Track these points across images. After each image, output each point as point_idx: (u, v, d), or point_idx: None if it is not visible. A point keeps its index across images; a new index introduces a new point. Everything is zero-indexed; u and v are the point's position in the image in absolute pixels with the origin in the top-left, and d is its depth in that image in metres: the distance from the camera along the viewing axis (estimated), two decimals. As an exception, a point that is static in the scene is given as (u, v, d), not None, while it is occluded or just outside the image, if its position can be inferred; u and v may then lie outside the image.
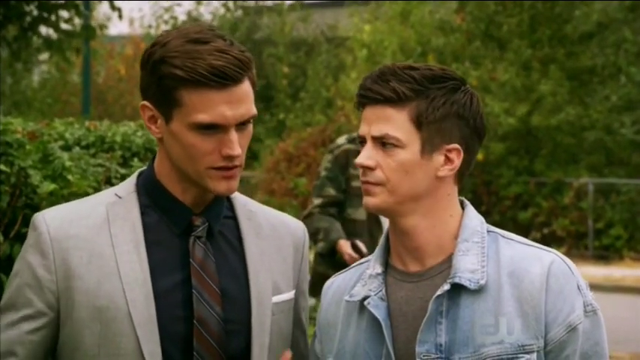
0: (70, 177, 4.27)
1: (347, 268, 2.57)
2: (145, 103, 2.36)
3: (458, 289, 2.30)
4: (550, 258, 2.34)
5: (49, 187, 4.09)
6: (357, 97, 2.36)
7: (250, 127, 2.37)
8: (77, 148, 4.99)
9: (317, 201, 6.13)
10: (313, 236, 6.05)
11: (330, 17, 29.97)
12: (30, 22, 10.64)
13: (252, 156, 26.33)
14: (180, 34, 2.32)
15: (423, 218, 2.35)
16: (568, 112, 21.42)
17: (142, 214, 2.39)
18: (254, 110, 2.35)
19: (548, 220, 21.25)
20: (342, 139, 6.32)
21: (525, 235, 21.02)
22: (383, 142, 2.31)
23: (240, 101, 2.32)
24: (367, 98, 2.33)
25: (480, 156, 21.45)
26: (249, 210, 2.52)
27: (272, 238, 2.51)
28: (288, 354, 2.43)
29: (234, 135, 2.32)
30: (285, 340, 2.49)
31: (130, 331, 2.29)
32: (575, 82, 22.13)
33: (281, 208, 10.13)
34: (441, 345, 2.28)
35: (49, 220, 2.37)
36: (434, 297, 2.29)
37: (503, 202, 21.88)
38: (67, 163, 4.30)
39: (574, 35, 22.21)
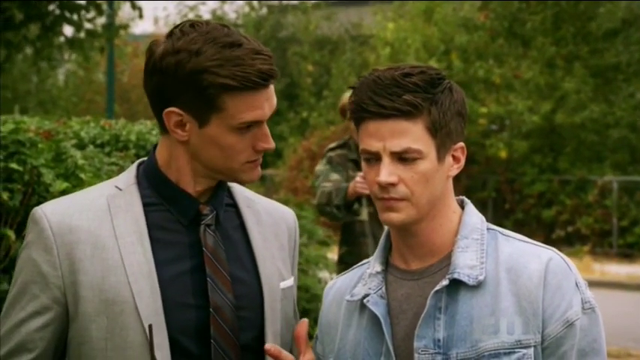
0: (82, 175, 4.30)
1: (349, 270, 2.57)
2: (173, 109, 2.33)
3: (457, 284, 2.30)
4: (548, 255, 2.33)
5: (61, 185, 4.12)
6: (357, 111, 2.31)
7: None
8: (91, 147, 5.02)
9: (326, 184, 6.22)
10: (327, 202, 6.14)
11: (355, 15, 29.98)
12: (52, 21, 10.69)
13: (276, 154, 26.38)
14: (207, 39, 2.30)
15: (432, 219, 2.35)
16: (592, 109, 21.33)
17: (145, 205, 2.39)
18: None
19: (572, 218, 21.16)
20: (333, 144, 6.50)
21: (549, 233, 21.07)
22: (402, 157, 2.29)
23: (273, 95, 2.36)
24: (373, 113, 2.28)
25: (503, 154, 21.54)
26: (247, 197, 2.54)
27: (270, 225, 2.53)
28: (305, 322, 2.42)
29: (266, 128, 2.37)
30: (290, 326, 2.50)
31: (136, 323, 2.28)
32: (599, 79, 22.03)
33: (300, 207, 10.14)
34: (439, 340, 2.29)
35: (50, 214, 2.35)
36: (432, 292, 2.29)
37: (526, 200, 21.82)
38: (80, 162, 4.33)
39: (598, 32, 22.11)
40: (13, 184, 4.06)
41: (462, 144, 2.35)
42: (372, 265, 2.43)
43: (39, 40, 10.78)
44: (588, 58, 21.93)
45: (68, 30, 11.35)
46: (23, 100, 26.37)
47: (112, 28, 11.80)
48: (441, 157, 2.30)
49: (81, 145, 5.14)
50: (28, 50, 11.13)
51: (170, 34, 2.35)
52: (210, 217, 2.41)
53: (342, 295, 2.48)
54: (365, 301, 2.37)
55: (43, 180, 4.11)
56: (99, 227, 2.34)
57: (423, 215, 2.33)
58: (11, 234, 3.95)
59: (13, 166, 4.04)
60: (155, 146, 2.47)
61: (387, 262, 2.42)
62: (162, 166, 2.42)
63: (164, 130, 2.40)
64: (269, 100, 2.34)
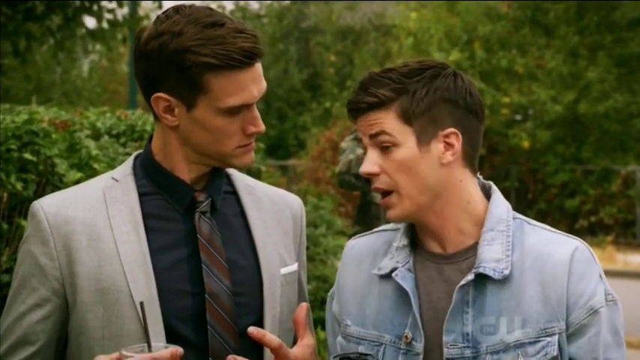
0: (96, 165, 4.33)
1: (369, 232, 2.58)
2: (160, 94, 2.35)
3: (483, 278, 2.31)
4: (574, 244, 2.35)
5: (75, 175, 4.15)
6: (347, 112, 2.40)
7: None
8: (106, 137, 5.04)
9: (352, 156, 6.20)
10: (347, 171, 6.13)
11: (378, 5, 29.91)
12: (73, 12, 10.72)
13: (298, 144, 26.39)
14: (189, 20, 2.32)
15: (440, 211, 2.36)
16: (616, 99, 21.22)
17: (141, 195, 2.40)
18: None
19: (596, 208, 21.10)
20: None
21: (572, 223, 20.98)
22: (381, 146, 2.33)
23: (260, 77, 2.36)
24: (355, 110, 2.37)
25: (526, 143, 21.51)
26: (248, 185, 2.55)
27: (272, 211, 2.54)
28: (304, 306, 2.41)
29: (256, 111, 2.37)
30: (293, 312, 2.48)
31: (132, 312, 2.30)
32: (623, 68, 21.90)
33: (319, 197, 10.16)
34: (467, 334, 2.30)
35: (46, 207, 2.37)
36: (458, 287, 2.30)
37: (549, 190, 21.75)
38: (94, 152, 4.36)
39: (622, 21, 21.97)
40: (27, 175, 4.09)
41: (452, 129, 2.33)
42: (399, 238, 2.44)
43: (60, 31, 10.82)
44: (612, 47, 21.80)
45: (90, 22, 11.39)
46: (48, 91, 26.48)
47: (134, 19, 11.83)
48: (422, 144, 2.32)
49: (96, 136, 5.16)
50: (51, 41, 11.15)
51: (156, 20, 2.38)
52: (205, 204, 2.41)
53: (362, 257, 2.50)
54: (394, 275, 2.38)
55: (57, 170, 4.15)
56: (94, 218, 2.36)
57: (423, 206, 2.34)
58: (25, 224, 3.97)
59: (27, 156, 4.07)
60: (151, 137, 2.49)
61: (413, 238, 2.44)
62: (156, 154, 2.44)
63: (156, 117, 2.42)
64: (256, 81, 2.34)
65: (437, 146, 2.33)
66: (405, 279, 2.36)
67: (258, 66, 2.35)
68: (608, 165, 21.34)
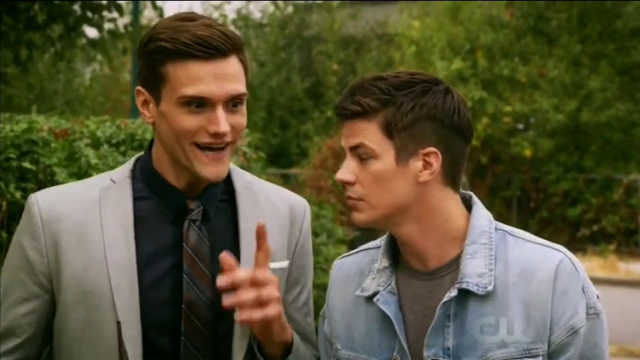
0: (95, 174, 4.32)
1: (355, 250, 2.57)
2: (139, 87, 2.38)
3: (466, 293, 2.29)
4: (558, 258, 2.31)
5: (74, 184, 4.14)
6: (335, 114, 2.37)
7: (243, 108, 2.36)
8: (106, 146, 5.03)
9: None
10: None
11: (380, 14, 29.91)
12: (74, 21, 10.71)
13: (301, 153, 26.39)
14: (170, 17, 2.36)
15: (415, 225, 2.34)
16: (618, 107, 21.24)
17: (136, 199, 2.40)
18: (243, 89, 2.34)
19: (598, 216, 21.08)
20: None
21: (574, 231, 20.92)
22: (360, 156, 2.31)
23: (227, 77, 2.31)
24: (340, 115, 2.34)
25: (528, 152, 21.51)
26: (247, 181, 2.53)
27: (267, 209, 2.50)
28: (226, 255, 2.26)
29: (220, 112, 2.30)
30: None
31: (112, 318, 2.30)
32: (625, 77, 21.92)
33: (320, 206, 10.15)
34: (448, 348, 2.28)
35: (41, 202, 2.38)
36: (441, 303, 2.29)
37: (551, 198, 21.74)
38: (94, 161, 4.36)
39: (624, 30, 22.00)
40: (27, 183, 4.09)
41: (433, 149, 2.29)
42: (379, 259, 2.43)
43: (60, 41, 10.81)
44: (614, 56, 21.83)
45: (91, 31, 11.38)
46: (50, 100, 26.50)
47: (136, 28, 11.81)
48: (401, 160, 2.29)
49: (96, 145, 5.16)
50: (52, 50, 11.14)
51: None
52: (195, 212, 2.40)
53: (349, 278, 2.49)
54: (375, 300, 2.36)
55: (56, 179, 4.14)
56: (86, 219, 2.36)
57: (391, 217, 2.32)
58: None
59: (26, 165, 4.08)
60: (153, 141, 2.49)
61: (395, 257, 2.42)
62: (154, 159, 2.44)
63: None
64: (219, 78, 2.30)
65: (415, 164, 2.30)
66: (386, 303, 2.35)
67: (225, 64, 2.31)
68: (611, 174, 21.34)
